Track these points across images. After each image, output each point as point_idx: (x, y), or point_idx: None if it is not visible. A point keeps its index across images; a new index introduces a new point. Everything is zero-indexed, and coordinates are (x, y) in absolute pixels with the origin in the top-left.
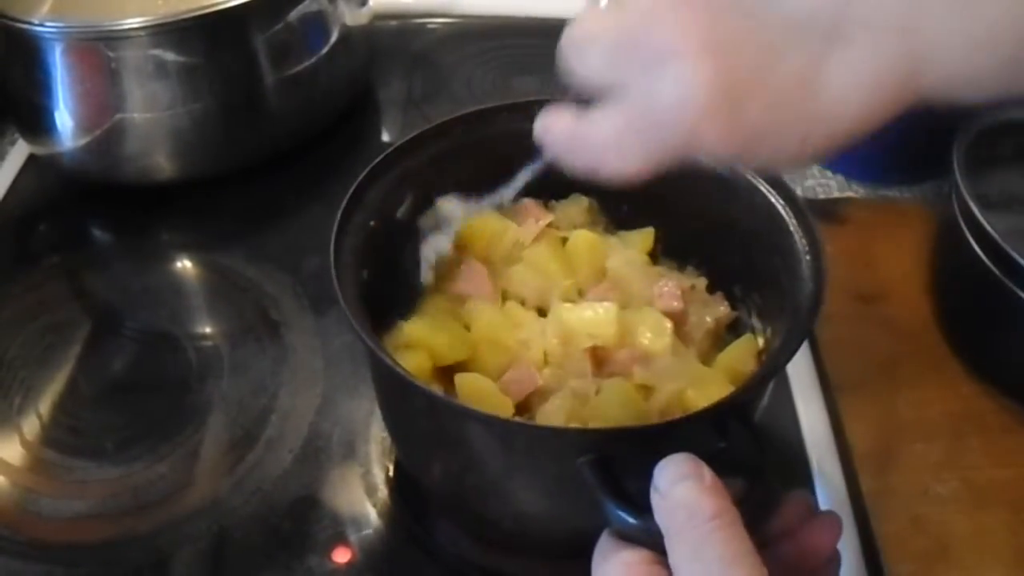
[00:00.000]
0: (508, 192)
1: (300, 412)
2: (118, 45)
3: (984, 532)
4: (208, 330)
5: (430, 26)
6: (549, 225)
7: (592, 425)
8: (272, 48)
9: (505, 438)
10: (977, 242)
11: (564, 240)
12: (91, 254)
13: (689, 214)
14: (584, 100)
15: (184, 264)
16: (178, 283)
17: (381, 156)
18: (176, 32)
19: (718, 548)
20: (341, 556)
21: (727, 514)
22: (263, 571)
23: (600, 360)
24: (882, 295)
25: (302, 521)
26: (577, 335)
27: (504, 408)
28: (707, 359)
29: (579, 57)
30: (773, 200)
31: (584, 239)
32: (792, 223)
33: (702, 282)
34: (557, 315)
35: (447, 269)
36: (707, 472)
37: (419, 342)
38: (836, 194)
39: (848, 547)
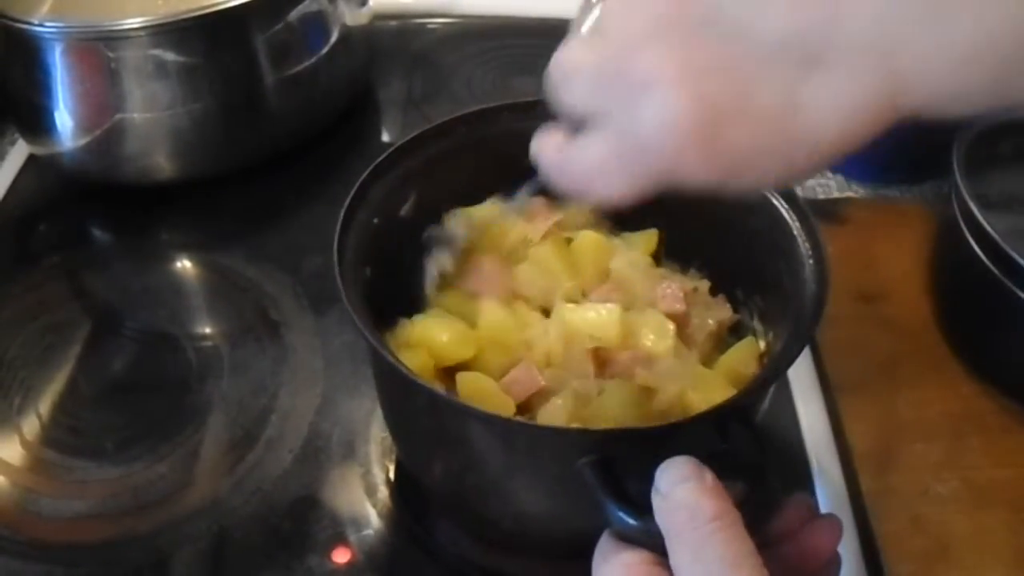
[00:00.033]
0: (521, 196)
1: (300, 412)
2: (118, 45)
3: (984, 532)
4: (208, 330)
5: (430, 26)
6: (556, 225)
7: (593, 426)
8: (272, 48)
9: (506, 438)
10: (977, 242)
11: (569, 240)
12: (91, 254)
13: (692, 216)
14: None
15: (184, 264)
16: (178, 283)
17: (384, 155)
18: (176, 32)
19: (719, 549)
20: (341, 556)
21: (728, 515)
22: (263, 571)
23: (602, 361)
24: (882, 295)
25: (302, 521)
26: (580, 336)
27: (505, 408)
28: (709, 361)
29: (564, 87)
30: (776, 203)
31: (589, 240)
32: (795, 226)
33: (705, 284)
34: (560, 315)
35: (460, 265)
36: (708, 474)
37: (422, 341)
38: (836, 194)
39: (848, 547)
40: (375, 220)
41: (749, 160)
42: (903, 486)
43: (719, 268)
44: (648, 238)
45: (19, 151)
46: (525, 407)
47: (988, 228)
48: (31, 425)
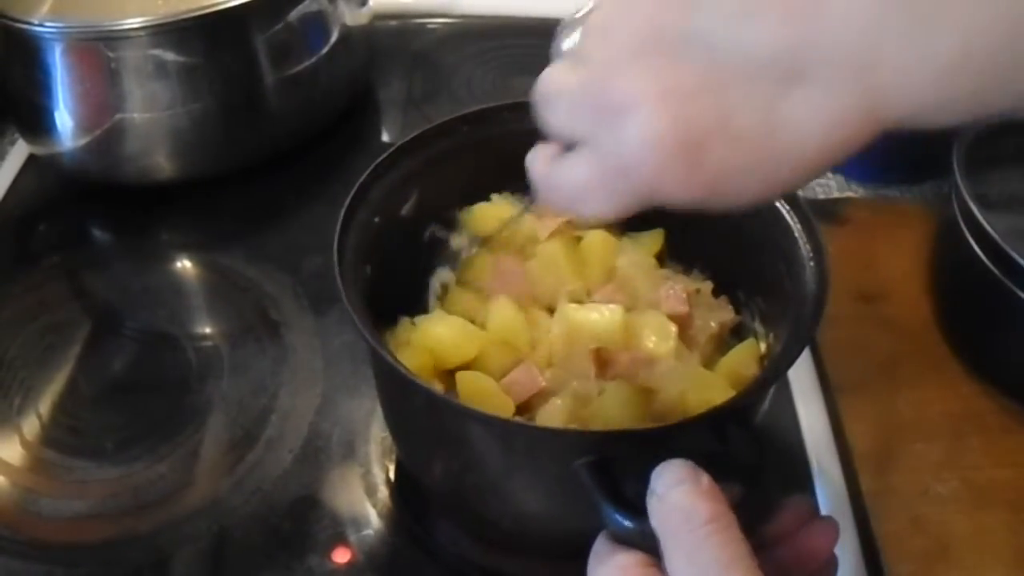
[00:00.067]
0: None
1: (300, 412)
2: (118, 45)
3: (984, 532)
4: (208, 330)
5: (430, 26)
6: (566, 223)
7: (593, 427)
8: (272, 48)
9: (504, 438)
10: (977, 242)
11: (579, 239)
12: (91, 254)
13: (695, 217)
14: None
15: (184, 264)
16: (178, 283)
17: (384, 155)
18: (176, 32)
19: (713, 552)
20: (341, 556)
21: (723, 518)
22: (263, 571)
23: (603, 362)
24: (882, 295)
25: (302, 521)
26: (582, 336)
27: (505, 408)
28: (710, 363)
29: (547, 110)
30: (779, 204)
31: (599, 239)
32: (796, 228)
33: (708, 286)
34: (564, 315)
35: (475, 261)
36: (704, 477)
37: (424, 343)
38: (836, 194)
39: (848, 547)
40: (376, 220)
41: (732, 178)
42: (903, 486)
43: (722, 269)
44: (655, 238)
45: (19, 151)
46: (525, 407)
47: (988, 228)
48: (31, 425)
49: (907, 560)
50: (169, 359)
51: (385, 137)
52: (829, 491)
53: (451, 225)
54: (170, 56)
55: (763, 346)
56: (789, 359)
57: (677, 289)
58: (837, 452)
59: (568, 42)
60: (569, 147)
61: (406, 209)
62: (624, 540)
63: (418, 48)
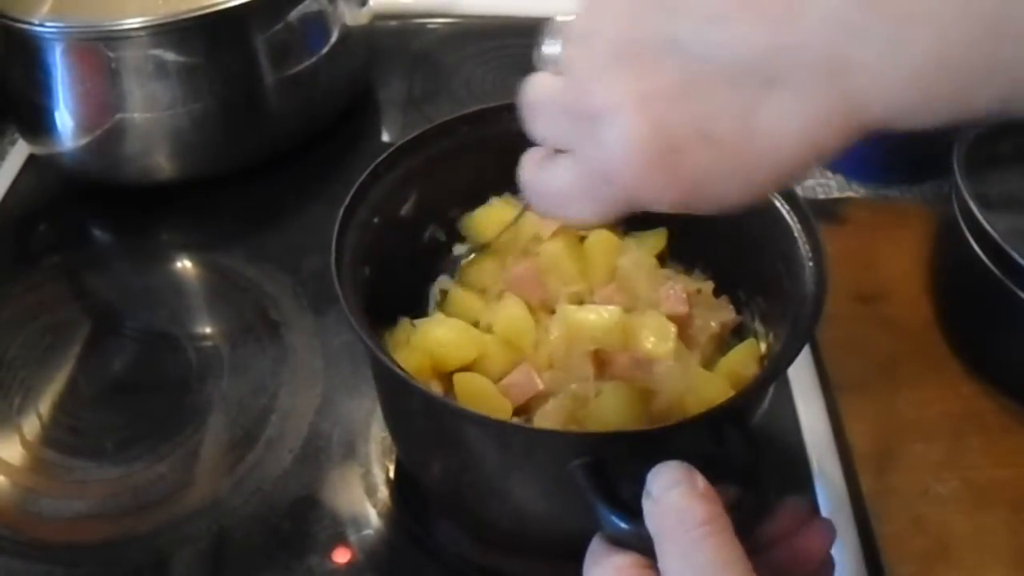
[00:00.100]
0: None
1: (300, 412)
2: (118, 45)
3: (984, 532)
4: (208, 330)
5: (430, 26)
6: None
7: (590, 428)
8: (272, 48)
9: (501, 439)
10: (977, 242)
11: (582, 238)
12: (91, 254)
13: (696, 217)
14: None
15: (184, 264)
16: (178, 283)
17: (384, 155)
18: (176, 32)
19: (708, 553)
20: (341, 556)
21: (718, 520)
22: (263, 571)
23: (602, 363)
24: (882, 295)
25: (302, 521)
26: (581, 337)
27: (503, 409)
28: (710, 363)
29: (531, 118)
30: (778, 205)
31: (603, 238)
32: (796, 228)
33: (709, 286)
34: (563, 315)
35: (476, 265)
36: (699, 479)
37: (424, 346)
38: (836, 194)
39: (848, 547)
40: (375, 220)
41: (710, 182)
42: (903, 486)
43: (722, 269)
44: (658, 237)
45: (19, 151)
46: (523, 408)
47: (988, 228)
48: (31, 425)
49: (907, 560)
50: (169, 359)
51: (385, 137)
52: (829, 491)
53: (451, 228)
54: (170, 56)
55: (763, 346)
56: (787, 359)
57: (677, 289)
58: (837, 452)
59: (550, 49)
60: (559, 151)
61: (406, 209)
62: (620, 541)
63: (418, 48)
